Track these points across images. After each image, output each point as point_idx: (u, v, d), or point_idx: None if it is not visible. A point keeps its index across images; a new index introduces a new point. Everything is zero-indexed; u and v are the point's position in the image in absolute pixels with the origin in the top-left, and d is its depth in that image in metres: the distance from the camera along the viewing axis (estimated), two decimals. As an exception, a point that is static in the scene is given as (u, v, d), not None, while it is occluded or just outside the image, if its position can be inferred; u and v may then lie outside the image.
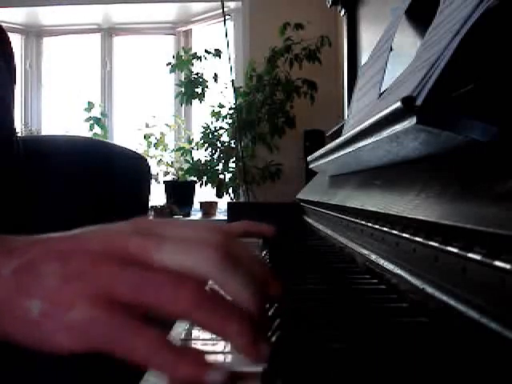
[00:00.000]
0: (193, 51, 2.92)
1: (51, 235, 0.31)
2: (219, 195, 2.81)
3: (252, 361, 0.28)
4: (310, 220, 1.17)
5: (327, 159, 0.86)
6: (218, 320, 0.27)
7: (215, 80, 2.80)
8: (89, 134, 3.06)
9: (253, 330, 0.27)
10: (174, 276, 0.28)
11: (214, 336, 0.30)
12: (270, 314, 0.40)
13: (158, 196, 2.94)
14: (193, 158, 2.90)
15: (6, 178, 0.71)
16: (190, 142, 3.01)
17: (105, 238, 0.30)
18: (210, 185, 2.82)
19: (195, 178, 2.86)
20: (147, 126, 3.06)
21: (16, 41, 3.50)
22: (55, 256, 0.28)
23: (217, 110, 2.86)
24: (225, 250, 0.29)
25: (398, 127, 0.43)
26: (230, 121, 2.82)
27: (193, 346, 0.35)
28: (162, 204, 2.83)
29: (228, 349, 0.34)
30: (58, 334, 0.27)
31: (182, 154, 2.96)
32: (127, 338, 0.26)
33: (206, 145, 2.83)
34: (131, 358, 0.26)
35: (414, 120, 0.39)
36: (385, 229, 0.51)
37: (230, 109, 2.81)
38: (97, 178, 1.00)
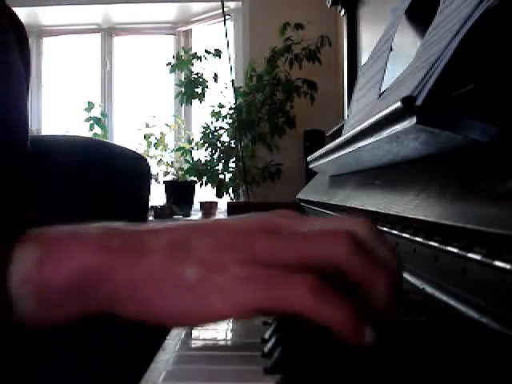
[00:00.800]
0: (193, 51, 2.92)
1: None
2: (219, 195, 2.81)
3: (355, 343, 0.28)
4: (309, 220, 1.17)
5: (327, 159, 0.86)
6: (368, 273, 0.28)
7: (215, 80, 2.80)
8: (89, 134, 3.06)
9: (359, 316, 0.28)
10: (319, 236, 0.29)
11: (213, 336, 0.31)
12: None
13: (158, 196, 2.94)
14: (193, 158, 2.90)
15: (17, 179, 0.71)
16: (190, 141, 3.01)
17: (250, 219, 0.32)
18: (210, 185, 2.82)
19: (195, 178, 2.85)
20: (147, 126, 3.06)
21: (16, 41, 3.50)
22: (204, 232, 0.30)
23: (217, 110, 2.86)
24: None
25: (398, 127, 0.43)
26: (230, 121, 2.82)
27: (192, 345, 0.35)
28: (161, 204, 2.83)
29: (227, 349, 0.34)
30: (213, 297, 0.28)
31: (182, 154, 2.96)
32: (281, 289, 0.27)
33: (206, 145, 2.83)
34: (287, 309, 0.27)
35: (413, 120, 0.39)
36: (385, 229, 0.51)
37: (230, 109, 2.81)
38: (97, 177, 1.00)
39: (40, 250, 0.29)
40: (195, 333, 0.37)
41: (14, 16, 0.75)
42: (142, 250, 0.29)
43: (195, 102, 2.85)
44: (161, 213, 2.73)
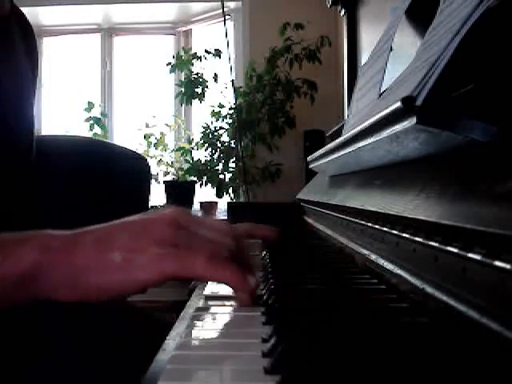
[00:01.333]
0: (193, 51, 2.92)
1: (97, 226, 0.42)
2: (219, 195, 2.81)
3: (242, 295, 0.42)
4: (310, 220, 1.17)
5: (327, 159, 0.86)
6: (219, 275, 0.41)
7: (215, 80, 2.79)
8: (89, 134, 3.06)
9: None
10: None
11: (213, 336, 0.30)
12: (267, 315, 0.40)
13: (158, 196, 2.94)
14: (193, 158, 2.90)
15: (19, 179, 0.71)
16: (190, 142, 3.00)
17: (156, 214, 0.42)
18: (210, 185, 2.82)
19: (195, 178, 2.85)
20: (147, 126, 3.06)
21: (16, 41, 3.50)
22: (122, 227, 0.41)
23: (217, 110, 2.86)
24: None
25: (398, 127, 0.43)
26: (230, 121, 2.81)
27: (192, 345, 0.35)
28: (162, 204, 2.83)
29: (227, 349, 0.34)
30: (138, 271, 0.38)
31: (182, 154, 2.96)
32: (187, 260, 0.39)
33: (206, 145, 2.83)
34: (192, 274, 0.39)
35: (414, 120, 0.39)
36: (385, 229, 0.51)
37: (230, 109, 2.81)
38: (97, 177, 1.00)
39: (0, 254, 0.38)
40: (195, 333, 0.37)
41: (23, 17, 0.75)
42: (73, 247, 0.39)
43: (195, 102, 2.85)
44: (161, 213, 2.73)
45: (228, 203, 1.49)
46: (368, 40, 1.33)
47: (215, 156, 2.82)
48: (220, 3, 2.73)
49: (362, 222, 0.61)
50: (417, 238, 0.41)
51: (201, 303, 0.47)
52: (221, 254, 0.42)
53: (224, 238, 0.44)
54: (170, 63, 2.88)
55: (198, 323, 0.40)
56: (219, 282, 0.42)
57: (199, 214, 2.94)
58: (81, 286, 0.39)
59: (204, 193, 2.95)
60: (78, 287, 0.39)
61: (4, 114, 0.66)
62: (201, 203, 2.94)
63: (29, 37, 0.79)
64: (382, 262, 0.52)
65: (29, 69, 0.76)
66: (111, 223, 0.42)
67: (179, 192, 2.92)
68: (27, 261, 0.38)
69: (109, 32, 3.50)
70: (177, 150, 3.00)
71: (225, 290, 0.46)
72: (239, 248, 0.46)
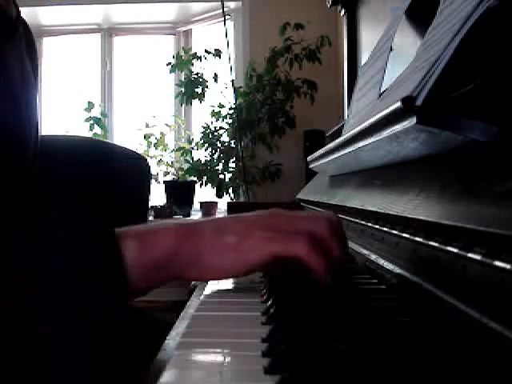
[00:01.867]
0: (193, 51, 2.92)
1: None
2: (219, 195, 2.81)
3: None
4: (309, 220, 1.17)
5: (327, 159, 0.86)
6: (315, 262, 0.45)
7: (215, 80, 2.80)
8: (89, 134, 3.06)
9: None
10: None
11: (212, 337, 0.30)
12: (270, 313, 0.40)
13: (158, 196, 2.94)
14: (193, 158, 2.90)
15: (17, 180, 0.71)
16: (190, 141, 3.01)
17: (264, 211, 0.50)
18: (210, 185, 2.82)
19: (195, 178, 2.85)
20: (147, 126, 3.06)
21: (16, 41, 3.50)
22: (234, 219, 0.48)
23: (217, 110, 2.86)
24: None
25: (398, 127, 0.43)
26: (230, 121, 2.82)
27: (192, 345, 0.35)
28: (162, 204, 2.83)
29: (227, 349, 0.34)
30: (248, 251, 0.45)
31: (182, 154, 2.96)
32: (290, 243, 0.45)
33: (206, 145, 2.83)
34: (294, 254, 0.44)
35: (414, 120, 0.39)
36: (385, 229, 0.51)
37: (230, 109, 2.81)
38: (97, 177, 1.00)
39: (137, 242, 0.44)
40: (195, 333, 0.37)
41: (26, 24, 0.75)
42: (197, 234, 0.46)
43: (195, 102, 2.85)
44: (161, 213, 2.73)
45: (228, 203, 1.49)
46: (368, 40, 1.33)
47: (215, 156, 2.82)
48: (220, 3, 2.73)
49: (362, 222, 0.61)
50: (417, 238, 0.41)
51: (201, 302, 0.47)
52: (318, 241, 0.46)
53: (320, 226, 0.48)
54: (170, 63, 2.88)
55: (198, 323, 0.40)
56: (312, 266, 0.45)
57: (199, 214, 2.94)
58: (204, 266, 0.45)
59: (204, 193, 2.95)
60: (202, 267, 0.45)
61: (14, 117, 0.66)
62: (201, 203, 2.94)
63: (31, 41, 0.79)
64: (381, 262, 0.52)
65: (31, 72, 0.76)
66: (230, 216, 0.50)
67: (179, 192, 2.92)
68: (162, 247, 0.44)
69: (109, 32, 3.50)
70: (177, 150, 3.00)
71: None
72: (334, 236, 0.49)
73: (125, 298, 0.43)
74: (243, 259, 0.45)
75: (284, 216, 0.48)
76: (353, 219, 0.67)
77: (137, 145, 3.00)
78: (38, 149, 0.78)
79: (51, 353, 0.44)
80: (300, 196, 1.33)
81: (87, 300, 0.41)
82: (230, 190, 2.81)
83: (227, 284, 0.55)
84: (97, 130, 3.13)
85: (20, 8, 0.75)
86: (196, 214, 2.97)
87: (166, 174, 3.02)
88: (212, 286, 0.53)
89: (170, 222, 0.47)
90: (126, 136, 3.32)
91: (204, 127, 2.85)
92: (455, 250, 0.34)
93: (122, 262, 0.42)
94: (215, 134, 2.83)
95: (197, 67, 2.84)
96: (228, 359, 0.31)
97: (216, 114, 2.86)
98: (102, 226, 0.44)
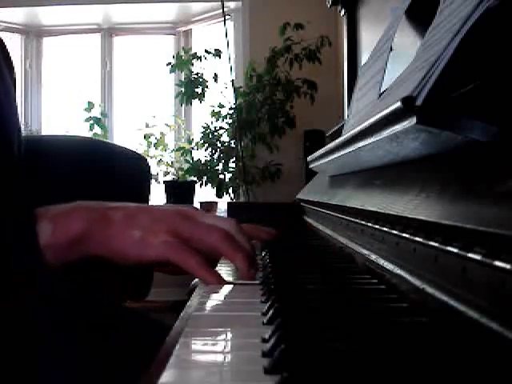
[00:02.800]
0: (193, 51, 2.92)
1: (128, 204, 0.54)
2: (219, 195, 2.81)
3: (246, 278, 0.52)
4: (309, 220, 1.17)
5: (327, 159, 0.86)
6: (232, 250, 0.52)
7: (215, 80, 2.80)
8: (89, 134, 3.06)
9: (249, 261, 0.52)
10: (211, 225, 0.53)
11: (212, 337, 0.31)
12: (271, 312, 0.40)
13: (157, 196, 2.94)
14: (193, 158, 2.90)
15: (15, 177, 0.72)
16: (190, 141, 3.01)
17: (172, 208, 0.54)
18: (210, 185, 2.82)
19: (195, 178, 2.85)
20: (147, 126, 3.06)
21: (16, 41, 3.50)
22: (146, 210, 0.52)
23: (217, 110, 2.86)
24: (240, 227, 0.56)
25: (398, 127, 0.43)
26: (230, 121, 2.81)
27: (192, 345, 0.35)
28: (162, 204, 2.83)
29: (227, 349, 0.34)
30: (149, 249, 0.49)
31: (182, 154, 2.96)
32: (184, 254, 0.49)
33: (206, 145, 2.83)
34: (185, 263, 0.49)
35: (414, 120, 0.39)
36: (385, 229, 0.51)
37: (230, 109, 2.81)
38: (97, 177, 1.00)
39: (51, 224, 0.49)
40: (195, 333, 0.37)
41: None
42: (107, 220, 0.50)
43: (195, 102, 2.85)
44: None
45: (228, 203, 1.49)
46: (368, 40, 1.33)
47: (215, 156, 2.82)
48: (220, 3, 2.73)
49: (362, 222, 0.61)
50: (417, 238, 0.41)
51: (200, 302, 0.47)
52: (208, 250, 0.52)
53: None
54: (169, 63, 2.88)
55: (198, 323, 0.40)
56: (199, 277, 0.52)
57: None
58: (112, 250, 0.50)
59: (204, 193, 2.95)
60: (110, 250, 0.50)
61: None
62: (201, 203, 2.94)
63: (4, 47, 0.79)
64: (382, 262, 0.52)
65: (9, 76, 0.76)
66: (139, 205, 0.53)
67: (179, 192, 2.92)
68: (74, 230, 0.49)
69: (109, 32, 3.50)
70: (177, 150, 3.00)
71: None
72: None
73: (40, 270, 0.47)
74: (143, 254, 0.50)
75: (188, 220, 0.53)
76: (353, 219, 0.67)
77: (137, 145, 3.00)
78: (22, 145, 0.78)
79: None
80: (300, 196, 1.33)
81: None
82: (230, 190, 2.81)
83: (227, 284, 0.55)
84: (97, 130, 3.13)
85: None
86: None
87: (166, 174, 3.02)
88: (212, 286, 0.53)
89: (84, 206, 0.51)
90: (126, 136, 3.32)
91: (204, 127, 2.85)
92: (455, 250, 0.34)
93: (37, 241, 0.46)
94: (215, 133, 2.83)
95: (197, 67, 2.84)
96: (228, 359, 0.31)
97: (216, 114, 2.86)
98: (24, 206, 0.48)
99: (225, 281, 0.52)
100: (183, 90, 2.81)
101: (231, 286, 0.55)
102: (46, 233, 0.48)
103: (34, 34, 3.51)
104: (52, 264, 0.48)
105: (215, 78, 2.79)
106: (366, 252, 0.59)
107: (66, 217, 0.50)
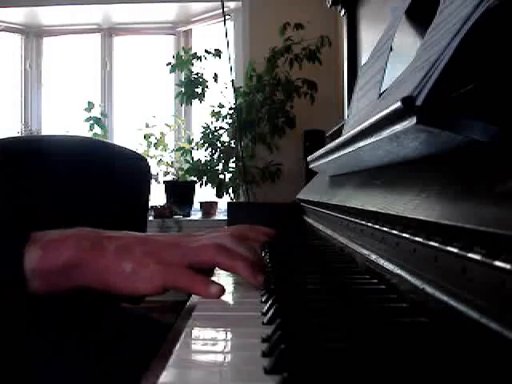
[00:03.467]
0: (193, 51, 2.92)
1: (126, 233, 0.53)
2: (219, 195, 2.81)
3: (252, 285, 0.51)
4: (310, 220, 1.17)
5: (327, 159, 0.86)
6: (230, 260, 0.51)
7: (215, 80, 2.79)
8: (89, 134, 3.06)
9: (252, 268, 0.50)
10: (204, 244, 0.52)
11: (213, 337, 0.32)
12: (271, 311, 0.40)
13: (158, 196, 2.94)
14: (193, 158, 2.90)
15: None
16: (190, 141, 3.01)
17: (169, 238, 0.53)
18: (210, 185, 2.82)
19: (195, 178, 2.85)
20: (147, 126, 3.06)
21: (16, 41, 3.50)
22: (139, 241, 0.51)
23: (217, 110, 2.86)
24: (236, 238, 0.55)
25: (398, 127, 0.43)
26: (230, 121, 2.82)
27: (192, 345, 0.35)
28: (162, 204, 2.83)
29: (227, 349, 0.34)
30: (138, 282, 0.48)
31: (182, 154, 2.96)
32: (176, 277, 0.48)
33: (206, 145, 2.83)
34: (183, 289, 0.48)
35: (414, 120, 0.39)
36: (385, 229, 0.51)
37: (230, 109, 2.81)
38: (97, 177, 1.00)
39: (40, 250, 0.48)
40: (195, 333, 0.37)
41: None
42: (99, 250, 0.49)
43: (195, 102, 2.85)
44: (161, 213, 2.73)
45: (228, 203, 1.49)
46: (368, 40, 1.33)
47: (215, 156, 2.82)
48: (220, 3, 2.73)
49: (362, 222, 0.61)
50: (417, 238, 0.41)
51: (200, 302, 0.47)
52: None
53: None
54: (169, 63, 2.88)
55: (198, 323, 0.40)
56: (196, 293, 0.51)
57: (199, 214, 2.95)
58: (103, 282, 0.49)
59: (204, 193, 2.95)
60: (102, 282, 0.49)
61: None
62: (201, 203, 2.94)
63: None
64: (381, 262, 0.52)
65: None
66: (136, 235, 0.53)
67: (179, 192, 2.92)
68: (63, 258, 0.48)
69: (109, 32, 3.50)
70: (177, 150, 3.00)
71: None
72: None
73: (21, 294, 0.48)
74: (133, 288, 0.49)
75: (180, 248, 0.52)
76: (353, 219, 0.67)
77: (137, 145, 3.00)
78: None
79: None
80: (300, 196, 1.33)
81: None
82: (230, 190, 2.81)
83: (227, 282, 0.55)
84: (97, 130, 3.13)
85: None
86: (196, 214, 2.97)
87: (166, 174, 3.02)
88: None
89: (78, 234, 0.51)
90: (126, 136, 3.32)
91: (204, 127, 2.85)
92: (455, 250, 0.34)
93: (22, 266, 0.47)
94: (215, 133, 2.83)
95: (197, 67, 2.84)
96: (228, 359, 0.31)
97: (216, 114, 2.86)
98: (17, 229, 0.49)
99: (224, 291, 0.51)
100: (183, 90, 2.81)
101: (231, 286, 0.55)
102: (33, 258, 0.47)
103: (33, 34, 3.51)
104: (42, 291, 0.48)
105: (215, 78, 2.79)
106: (365, 252, 0.59)
107: (58, 244, 0.49)
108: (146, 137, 3.02)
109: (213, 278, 0.57)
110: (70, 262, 0.48)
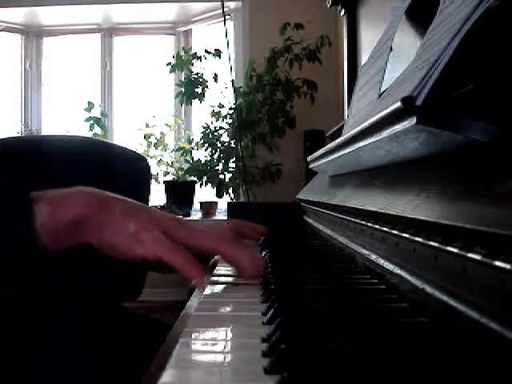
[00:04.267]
0: (193, 51, 2.92)
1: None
2: (219, 195, 2.81)
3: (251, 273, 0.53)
4: (310, 220, 1.17)
5: (327, 159, 0.86)
6: (232, 248, 0.53)
7: (215, 80, 2.80)
8: (89, 134, 3.06)
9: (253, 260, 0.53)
10: (207, 231, 0.54)
11: (213, 337, 0.32)
12: (270, 312, 0.40)
13: (158, 196, 2.94)
14: (193, 158, 2.90)
15: None
16: (190, 141, 3.01)
17: (173, 215, 0.55)
18: (210, 185, 2.82)
19: (195, 178, 2.85)
20: (147, 126, 3.06)
21: (16, 41, 3.50)
22: (145, 209, 0.52)
23: (217, 110, 2.86)
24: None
25: (398, 127, 0.43)
26: (230, 121, 2.82)
27: (192, 345, 0.35)
28: (162, 204, 2.83)
29: (227, 349, 0.34)
30: (139, 245, 0.48)
31: (182, 154, 2.96)
32: (174, 251, 0.49)
33: (206, 145, 2.83)
34: (172, 264, 0.48)
35: (414, 120, 0.39)
36: (385, 229, 0.51)
37: (230, 109, 2.81)
38: (97, 178, 1.00)
39: (49, 206, 0.48)
40: (195, 333, 0.37)
41: None
42: (105, 208, 0.50)
43: (195, 102, 2.85)
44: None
45: (228, 203, 1.49)
46: (368, 40, 1.33)
47: (215, 156, 2.82)
48: (220, 3, 2.73)
49: (362, 222, 0.61)
50: (417, 238, 0.41)
51: (200, 302, 0.47)
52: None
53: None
54: (169, 63, 2.88)
55: (198, 323, 0.40)
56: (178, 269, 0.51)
57: (199, 214, 2.94)
58: (102, 239, 0.49)
59: (204, 193, 2.95)
60: (100, 239, 0.49)
61: None
62: (201, 203, 2.94)
63: None
64: (381, 262, 0.52)
65: None
66: (142, 204, 0.54)
67: (179, 192, 2.92)
68: (73, 212, 0.49)
69: (109, 32, 3.50)
70: (177, 150, 3.00)
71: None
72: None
73: (33, 253, 0.47)
74: (131, 249, 0.49)
75: (185, 226, 0.53)
76: (353, 219, 0.67)
77: (137, 145, 3.00)
78: None
79: None
80: (300, 196, 1.33)
81: None
82: (230, 190, 2.81)
83: (227, 282, 0.55)
84: (97, 130, 3.13)
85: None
86: (196, 214, 2.97)
87: (166, 174, 3.02)
88: (212, 286, 0.53)
89: (86, 191, 0.51)
90: (126, 136, 3.32)
91: (204, 127, 2.85)
92: (455, 250, 0.34)
93: (32, 223, 0.47)
94: (215, 133, 2.83)
95: (197, 67, 2.84)
96: (228, 359, 0.31)
97: (216, 114, 2.86)
98: (19, 187, 0.49)
99: (208, 277, 0.52)
100: (183, 90, 2.81)
101: (231, 286, 0.55)
102: (42, 214, 0.47)
103: (33, 33, 3.51)
104: (48, 247, 0.48)
105: (215, 78, 2.79)
106: (366, 252, 0.59)
107: (66, 199, 0.50)
108: (145, 137, 3.02)
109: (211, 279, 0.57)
110: (77, 217, 0.49)
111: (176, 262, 0.48)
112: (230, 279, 0.57)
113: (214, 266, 0.65)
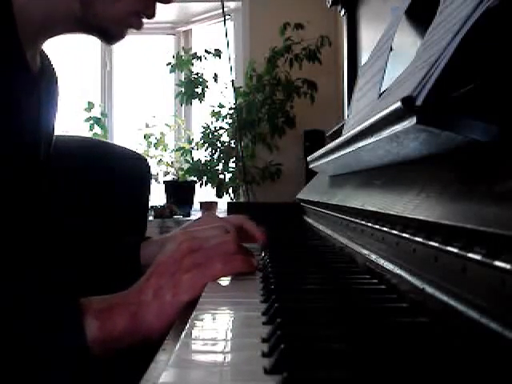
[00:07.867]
0: (193, 51, 2.92)
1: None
2: (219, 195, 2.81)
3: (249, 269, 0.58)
4: (310, 220, 1.17)
5: (327, 159, 0.86)
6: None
7: (215, 80, 2.80)
8: (89, 134, 3.06)
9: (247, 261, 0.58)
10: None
11: (213, 337, 0.32)
12: (270, 312, 0.40)
13: (158, 196, 2.94)
14: (193, 158, 2.90)
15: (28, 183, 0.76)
16: (190, 141, 3.01)
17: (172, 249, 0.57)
18: (210, 185, 2.82)
19: (195, 178, 2.85)
20: (147, 126, 3.06)
21: (16, 41, 3.50)
22: (153, 275, 0.55)
23: (217, 110, 2.86)
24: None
25: (398, 127, 0.43)
26: (230, 121, 2.82)
27: (193, 345, 0.35)
28: (162, 204, 2.83)
29: (227, 349, 0.34)
30: (182, 295, 0.52)
31: (182, 154, 2.96)
32: (209, 272, 0.54)
33: (206, 145, 2.83)
34: (217, 278, 0.54)
35: (414, 120, 0.39)
36: (385, 229, 0.51)
37: (230, 109, 2.81)
38: (97, 177, 1.00)
39: (97, 320, 0.50)
40: (195, 333, 0.37)
41: (50, 67, 0.80)
42: (140, 317, 0.52)
43: (195, 101, 2.85)
44: (161, 213, 2.73)
45: (228, 203, 1.49)
46: (368, 40, 1.33)
47: (215, 156, 2.82)
48: (220, 3, 2.73)
49: (362, 222, 0.61)
50: (417, 238, 0.41)
51: (200, 302, 0.47)
52: (229, 251, 0.57)
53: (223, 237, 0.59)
54: (169, 63, 2.88)
55: (198, 323, 0.40)
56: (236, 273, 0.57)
57: (199, 214, 2.94)
58: (153, 330, 0.51)
59: (204, 193, 2.95)
60: (152, 331, 0.51)
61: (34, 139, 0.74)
62: (201, 203, 2.93)
63: (53, 86, 0.85)
64: (381, 261, 0.52)
65: (51, 105, 0.83)
66: (153, 274, 0.55)
67: (179, 192, 2.92)
68: (119, 326, 0.51)
69: (109, 32, 3.50)
70: (177, 150, 3.00)
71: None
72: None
73: (86, 370, 0.49)
74: (179, 302, 0.52)
75: (194, 243, 0.57)
76: (353, 219, 0.67)
77: (137, 145, 3.00)
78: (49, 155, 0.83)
79: None
80: (300, 196, 1.33)
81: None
82: (230, 190, 2.81)
83: (226, 281, 0.55)
84: (97, 129, 3.13)
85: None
86: (196, 214, 2.97)
87: (166, 174, 3.02)
88: (211, 285, 0.53)
89: (124, 302, 0.53)
90: (126, 136, 3.32)
91: (204, 127, 2.85)
92: (455, 250, 0.34)
93: (86, 342, 0.49)
94: (215, 133, 2.83)
95: (197, 67, 2.84)
96: (228, 359, 0.31)
97: (216, 114, 2.86)
98: (69, 301, 0.51)
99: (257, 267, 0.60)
100: (183, 89, 2.81)
101: (231, 286, 0.55)
102: (92, 330, 0.50)
103: (34, 33, 3.51)
104: (96, 357, 0.50)
105: (215, 78, 2.79)
106: (365, 252, 0.59)
107: (111, 313, 0.52)
108: (145, 137, 3.02)
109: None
110: (125, 328, 0.51)
111: (213, 272, 0.53)
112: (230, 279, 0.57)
113: None
